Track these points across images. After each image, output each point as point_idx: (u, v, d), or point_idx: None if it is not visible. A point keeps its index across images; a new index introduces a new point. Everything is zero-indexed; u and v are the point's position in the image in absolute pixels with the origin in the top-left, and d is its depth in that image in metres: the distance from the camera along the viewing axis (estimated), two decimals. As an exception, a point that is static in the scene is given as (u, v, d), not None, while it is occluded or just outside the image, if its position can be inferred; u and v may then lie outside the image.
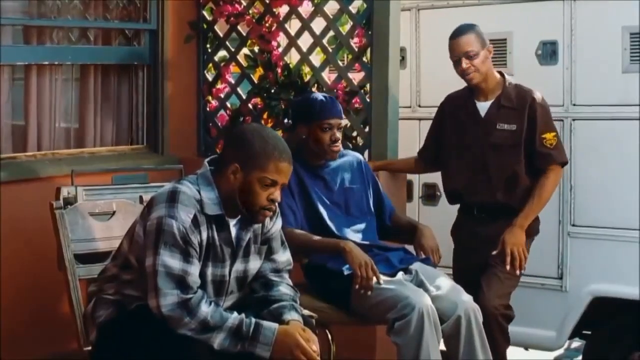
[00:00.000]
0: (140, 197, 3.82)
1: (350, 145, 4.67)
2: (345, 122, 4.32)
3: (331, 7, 4.77)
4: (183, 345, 2.90)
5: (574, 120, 4.53)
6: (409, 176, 4.85)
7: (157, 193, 3.06)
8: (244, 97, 5.12)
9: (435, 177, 4.68)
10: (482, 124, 4.14)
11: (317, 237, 3.74)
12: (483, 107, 4.16)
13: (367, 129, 4.64)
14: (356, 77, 4.74)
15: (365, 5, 4.63)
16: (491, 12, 4.69)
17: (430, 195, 4.97)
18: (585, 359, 4.60)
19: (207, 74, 5.27)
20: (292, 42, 4.93)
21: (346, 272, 3.62)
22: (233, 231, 3.09)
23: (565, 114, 4.53)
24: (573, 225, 4.55)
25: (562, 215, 4.56)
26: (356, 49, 4.70)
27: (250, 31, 5.03)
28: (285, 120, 4.88)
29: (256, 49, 5.07)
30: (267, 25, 4.99)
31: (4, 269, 4.21)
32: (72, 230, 3.56)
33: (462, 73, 4.10)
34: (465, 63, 4.05)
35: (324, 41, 4.80)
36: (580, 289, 4.51)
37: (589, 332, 4.62)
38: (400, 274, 3.71)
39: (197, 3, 5.20)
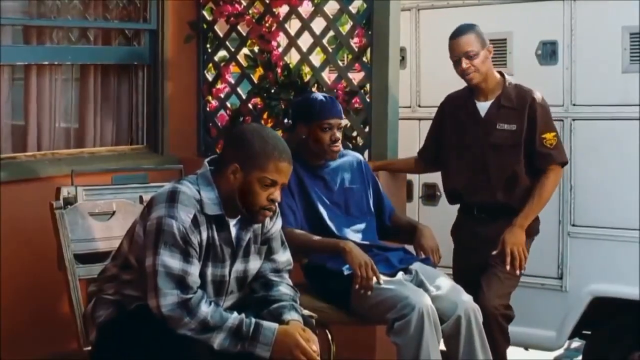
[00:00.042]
0: (140, 197, 3.82)
1: (350, 145, 4.67)
2: (345, 122, 4.32)
3: (331, 7, 4.77)
4: (183, 345, 2.90)
5: (573, 120, 4.53)
6: (409, 176, 4.85)
7: (157, 193, 3.06)
8: (244, 97, 5.12)
9: (435, 177, 4.68)
10: (482, 124, 4.14)
11: (317, 237, 3.74)
12: (483, 107, 4.16)
13: (367, 129, 4.64)
14: (356, 77, 4.74)
15: (365, 5, 4.63)
16: (491, 12, 4.69)
17: (430, 195, 4.97)
18: (585, 359, 4.60)
19: (207, 74, 5.27)
20: (292, 42, 4.93)
21: (346, 272, 3.62)
22: (233, 231, 3.09)
23: (565, 114, 4.53)
24: (573, 225, 4.55)
25: (562, 215, 4.56)
26: (356, 49, 4.69)
27: (250, 31, 5.03)
28: (285, 120, 4.88)
29: (256, 49, 5.07)
30: (267, 25, 4.99)
31: (4, 269, 4.21)
32: (72, 230, 3.57)
33: (462, 73, 4.10)
34: (465, 63, 4.05)
35: (324, 41, 4.80)
36: (580, 289, 4.51)
37: (589, 332, 4.62)
38: (400, 274, 3.71)
39: (197, 3, 5.20)
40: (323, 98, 3.88)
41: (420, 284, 3.66)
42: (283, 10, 4.93)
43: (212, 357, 2.93)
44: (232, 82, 5.19)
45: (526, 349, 4.82)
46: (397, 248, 3.93)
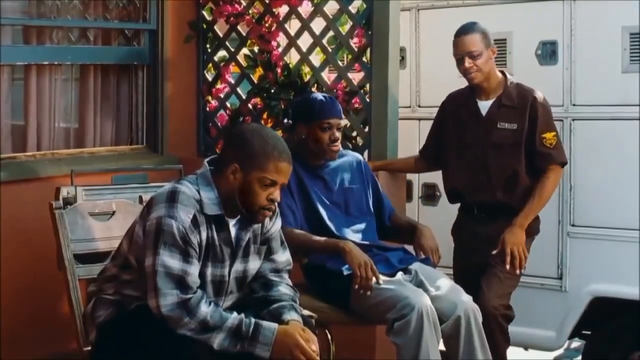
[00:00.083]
0: (140, 197, 3.82)
1: (350, 145, 4.66)
2: (345, 122, 4.32)
3: (331, 7, 4.77)
4: (183, 345, 2.90)
5: (573, 120, 4.53)
6: (409, 176, 4.85)
7: (157, 193, 3.06)
8: (243, 97, 5.12)
9: (435, 177, 4.68)
10: (483, 123, 4.14)
11: (316, 237, 3.74)
12: (484, 106, 4.16)
13: (366, 129, 4.64)
14: (356, 77, 4.74)
15: (365, 5, 4.63)
16: (491, 12, 4.69)
17: (429, 196, 4.97)
18: (585, 359, 4.60)
19: (206, 74, 5.27)
20: (292, 42, 4.93)
21: (346, 272, 3.62)
22: (233, 231, 3.09)
23: (565, 114, 4.53)
24: (573, 225, 4.55)
25: (562, 215, 4.56)
26: (356, 49, 4.69)
27: (250, 31, 5.03)
28: (285, 120, 4.88)
29: (256, 49, 5.07)
30: (266, 25, 4.99)
31: (4, 269, 4.21)
32: (72, 230, 3.56)
33: (464, 72, 4.10)
34: (468, 62, 4.05)
35: (324, 41, 4.80)
36: (580, 289, 4.51)
37: (589, 332, 4.62)
38: (399, 274, 3.71)
39: (196, 3, 5.20)
40: (323, 98, 3.89)
41: (420, 284, 3.66)
42: (283, 10, 4.93)
43: (212, 357, 2.93)
44: (232, 82, 5.19)
45: (526, 349, 4.82)
46: (397, 248, 3.93)
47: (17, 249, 4.25)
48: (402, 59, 4.89)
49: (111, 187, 3.95)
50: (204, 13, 5.22)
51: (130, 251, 3.09)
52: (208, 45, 5.26)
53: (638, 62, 4.35)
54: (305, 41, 4.89)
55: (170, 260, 2.92)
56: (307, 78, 4.89)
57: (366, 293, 3.56)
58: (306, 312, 3.27)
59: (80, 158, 4.75)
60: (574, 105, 4.54)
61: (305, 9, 4.85)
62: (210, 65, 5.27)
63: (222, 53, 5.25)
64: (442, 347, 3.61)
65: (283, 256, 3.29)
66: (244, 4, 5.05)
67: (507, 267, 3.99)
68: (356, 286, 3.55)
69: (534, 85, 4.17)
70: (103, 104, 4.95)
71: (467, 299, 3.66)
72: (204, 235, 3.00)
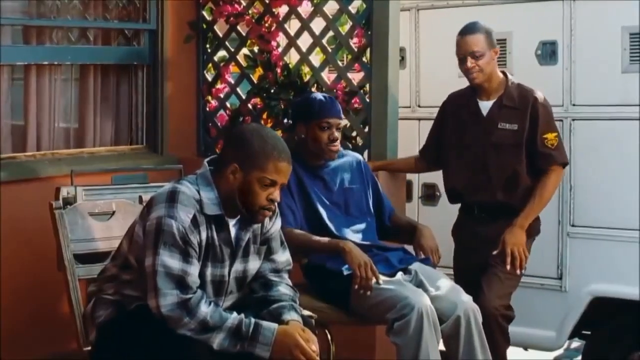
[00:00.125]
0: (140, 197, 3.82)
1: (350, 145, 4.66)
2: (344, 122, 4.32)
3: (331, 7, 4.77)
4: (183, 346, 2.90)
5: (573, 120, 4.53)
6: (409, 176, 4.85)
7: (157, 193, 3.06)
8: (243, 97, 5.11)
9: (435, 178, 4.68)
10: (484, 124, 4.14)
11: (316, 237, 3.74)
12: (485, 106, 4.15)
13: (366, 129, 4.64)
14: (356, 77, 4.74)
15: (364, 6, 4.63)
16: (491, 12, 4.68)
17: (429, 196, 4.97)
18: (585, 359, 4.60)
19: (206, 74, 5.27)
20: (292, 42, 4.93)
21: (345, 272, 3.62)
22: (232, 231, 3.09)
23: (565, 114, 4.53)
24: (572, 225, 4.55)
25: (562, 216, 4.56)
26: (356, 49, 4.69)
27: (250, 31, 5.03)
28: (285, 120, 4.88)
29: (256, 49, 5.06)
30: (266, 25, 4.99)
31: (4, 269, 4.21)
32: (72, 230, 3.56)
33: (466, 72, 4.09)
34: (470, 62, 4.05)
35: (324, 41, 4.80)
36: (580, 289, 4.51)
37: (589, 332, 4.62)
38: (399, 274, 3.71)
39: (196, 3, 5.20)
40: (323, 98, 3.89)
41: (420, 284, 3.66)
42: (283, 10, 4.93)
43: (211, 357, 2.93)
44: (232, 82, 5.19)
45: (526, 349, 4.82)
46: (397, 248, 3.93)
47: (17, 249, 4.25)
48: (402, 59, 4.89)
49: (111, 187, 3.95)
50: (204, 13, 5.22)
51: (130, 251, 3.09)
52: (208, 45, 5.26)
53: (638, 62, 4.35)
54: (305, 41, 4.89)
55: (170, 260, 2.92)
56: (307, 78, 4.89)
57: (366, 293, 3.56)
58: (306, 312, 3.27)
59: (80, 158, 4.75)
60: (574, 105, 4.54)
61: (305, 9, 4.85)
62: (210, 65, 5.27)
63: (222, 53, 5.25)
64: (442, 347, 3.61)
65: (283, 256, 3.29)
66: (243, 4, 5.05)
67: (508, 267, 3.99)
68: (356, 286, 3.55)
69: (534, 85, 4.18)
70: (103, 104, 4.95)
71: (467, 299, 3.66)
72: (203, 235, 3.00)
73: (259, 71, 5.05)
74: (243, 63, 5.13)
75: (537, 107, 4.07)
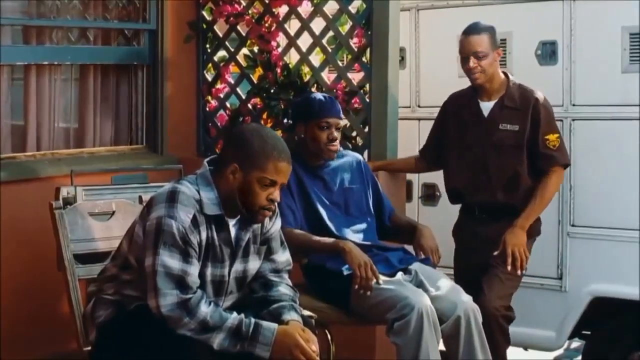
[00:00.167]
0: (140, 197, 3.81)
1: (350, 145, 4.66)
2: (344, 122, 4.32)
3: (331, 7, 4.77)
4: (183, 346, 2.90)
5: (573, 120, 4.53)
6: (409, 176, 4.85)
7: (157, 193, 3.06)
8: (243, 97, 5.11)
9: (435, 178, 4.68)
10: (485, 124, 4.14)
11: (316, 237, 3.74)
12: (486, 107, 4.15)
13: (366, 129, 4.64)
14: (356, 77, 4.74)
15: (364, 5, 4.63)
16: (491, 12, 4.68)
17: (429, 196, 4.97)
18: (585, 359, 4.60)
19: (206, 74, 5.27)
20: (292, 42, 4.93)
21: (345, 272, 3.62)
22: (232, 231, 3.09)
23: (565, 114, 4.53)
24: (573, 225, 4.55)
25: (562, 216, 4.56)
26: (356, 49, 4.69)
27: (250, 31, 5.03)
28: (285, 120, 4.88)
29: (256, 49, 5.06)
30: (266, 25, 4.99)
31: (4, 269, 4.21)
32: (72, 230, 3.56)
33: (468, 71, 4.09)
34: (472, 62, 4.04)
35: (324, 41, 4.80)
36: (580, 289, 4.51)
37: (589, 332, 4.62)
38: (399, 274, 3.70)
39: (196, 3, 5.20)
40: (322, 97, 3.89)
41: (420, 284, 3.66)
42: (282, 10, 4.93)
43: (211, 357, 2.93)
44: (232, 82, 5.19)
45: (526, 349, 4.82)
46: (397, 248, 3.92)
47: (17, 249, 4.25)
48: (402, 59, 4.89)
49: (111, 187, 3.95)
50: (204, 13, 5.22)
51: (130, 251, 3.09)
52: (208, 45, 5.26)
53: (638, 62, 4.35)
54: (305, 41, 4.89)
55: (170, 260, 2.92)
56: (306, 78, 4.89)
57: (366, 293, 3.56)
58: (306, 312, 3.27)
59: (80, 158, 4.75)
60: (573, 105, 4.54)
61: (305, 9, 4.85)
62: (210, 65, 5.27)
63: (221, 53, 5.25)
64: (442, 347, 3.61)
65: (283, 256, 3.29)
66: (243, 4, 5.05)
67: (509, 268, 3.99)
68: (356, 286, 3.55)
69: (534, 85, 4.17)
70: (103, 104, 4.95)
71: (467, 299, 3.65)
72: (203, 235, 3.00)
73: (259, 71, 5.05)
74: (243, 63, 5.13)
75: (538, 108, 4.07)
